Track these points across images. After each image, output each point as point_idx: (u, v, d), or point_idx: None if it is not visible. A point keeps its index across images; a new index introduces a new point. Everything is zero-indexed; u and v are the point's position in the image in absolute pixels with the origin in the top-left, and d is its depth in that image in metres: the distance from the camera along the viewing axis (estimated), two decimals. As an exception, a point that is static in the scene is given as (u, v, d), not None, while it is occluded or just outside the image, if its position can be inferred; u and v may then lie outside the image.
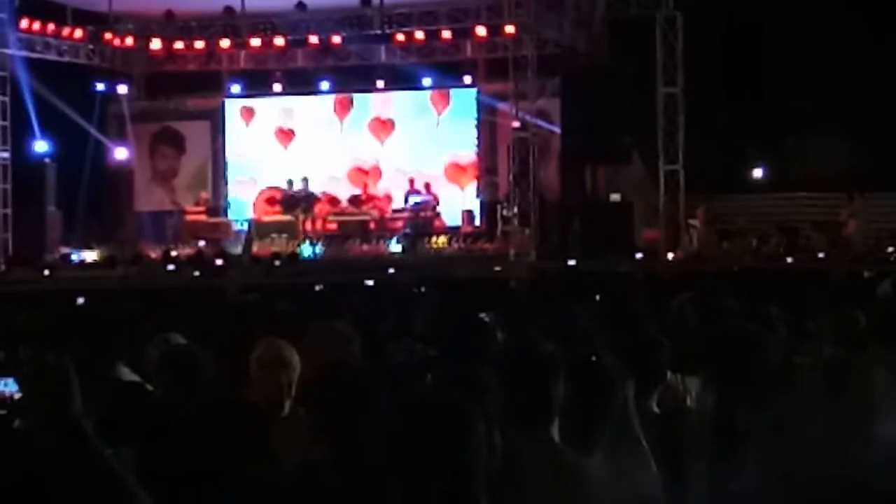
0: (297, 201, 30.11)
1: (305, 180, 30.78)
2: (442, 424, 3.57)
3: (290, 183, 30.85)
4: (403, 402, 3.97)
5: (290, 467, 4.65)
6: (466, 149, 32.16)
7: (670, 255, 25.37)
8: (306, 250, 28.63)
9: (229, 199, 33.09)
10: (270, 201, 30.58)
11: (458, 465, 3.50)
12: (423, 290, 12.99)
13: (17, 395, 5.26)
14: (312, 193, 30.50)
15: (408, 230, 29.34)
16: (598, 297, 12.60)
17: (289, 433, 5.39)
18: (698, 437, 5.38)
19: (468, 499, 3.51)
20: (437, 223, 30.18)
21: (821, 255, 24.69)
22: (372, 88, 32.40)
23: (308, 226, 29.93)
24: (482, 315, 8.20)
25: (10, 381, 5.30)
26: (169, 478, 4.35)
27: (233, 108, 33.63)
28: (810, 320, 8.49)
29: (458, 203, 31.55)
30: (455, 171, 32.04)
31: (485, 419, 3.68)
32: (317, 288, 18.67)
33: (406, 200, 30.00)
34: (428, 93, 32.28)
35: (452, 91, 32.33)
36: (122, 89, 33.03)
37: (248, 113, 33.47)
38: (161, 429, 4.59)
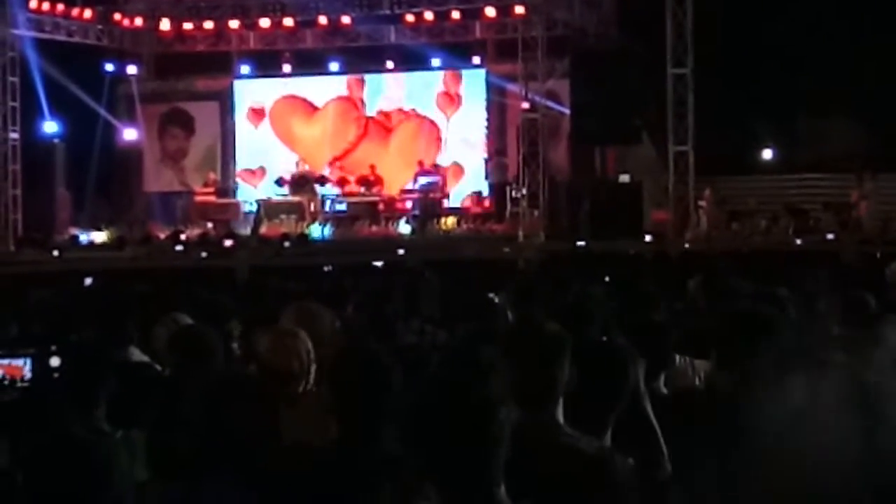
0: (306, 182, 30.08)
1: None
2: (466, 402, 3.58)
3: (298, 164, 30.84)
4: (428, 379, 3.98)
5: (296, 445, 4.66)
6: (476, 130, 32.17)
7: (686, 236, 25.32)
8: (315, 231, 28.61)
9: (238, 179, 33.12)
10: (280, 181, 30.51)
11: (481, 442, 3.51)
12: (426, 273, 12.98)
13: (30, 374, 5.29)
14: (322, 174, 30.48)
15: (416, 211, 29.32)
16: (607, 279, 12.59)
17: (299, 413, 5.39)
18: (707, 419, 5.37)
19: (488, 476, 3.52)
20: (445, 202, 30.14)
21: (830, 236, 24.63)
22: (381, 69, 32.37)
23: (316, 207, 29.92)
24: (492, 295, 8.20)
25: (27, 360, 5.33)
26: (179, 458, 4.36)
27: (241, 103, 33.64)
28: (820, 302, 8.47)
29: (467, 184, 31.55)
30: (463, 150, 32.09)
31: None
32: (325, 269, 18.69)
33: (415, 181, 29.96)
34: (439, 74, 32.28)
35: (463, 73, 32.29)
36: (132, 70, 33.05)
37: (257, 115, 33.50)
38: (171, 409, 4.59)
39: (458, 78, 32.41)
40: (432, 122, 32.35)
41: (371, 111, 32.84)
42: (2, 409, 5.05)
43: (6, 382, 5.24)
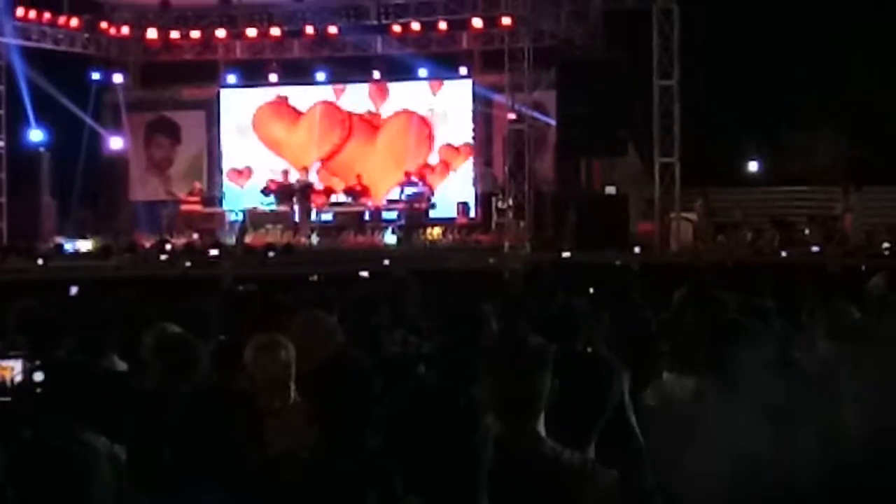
0: (291, 191, 30.07)
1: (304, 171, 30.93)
2: (451, 411, 3.58)
3: (286, 173, 30.82)
4: (413, 388, 3.97)
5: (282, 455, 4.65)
6: (462, 139, 32.21)
7: (672, 248, 25.34)
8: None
9: (224, 189, 33.09)
10: (265, 191, 30.50)
11: (465, 451, 3.50)
12: (408, 283, 12.98)
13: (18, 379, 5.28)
14: (308, 183, 30.46)
15: (402, 221, 29.33)
16: (592, 290, 12.57)
17: (284, 423, 5.39)
18: (693, 431, 5.36)
19: (471, 485, 3.51)
20: (430, 214, 30.14)
21: (815, 249, 24.68)
22: (368, 79, 32.40)
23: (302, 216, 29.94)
24: (477, 306, 8.18)
25: (16, 362, 5.32)
26: (161, 468, 4.34)
27: (227, 113, 33.64)
28: (805, 314, 8.47)
29: (454, 194, 31.55)
30: (449, 152, 32.07)
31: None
32: (311, 278, 18.65)
33: (401, 192, 29.96)
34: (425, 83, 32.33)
35: (447, 82, 32.31)
36: (118, 78, 33.05)
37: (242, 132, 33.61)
38: (154, 419, 4.58)
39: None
40: (422, 119, 32.35)
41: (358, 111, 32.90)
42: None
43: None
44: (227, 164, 33.40)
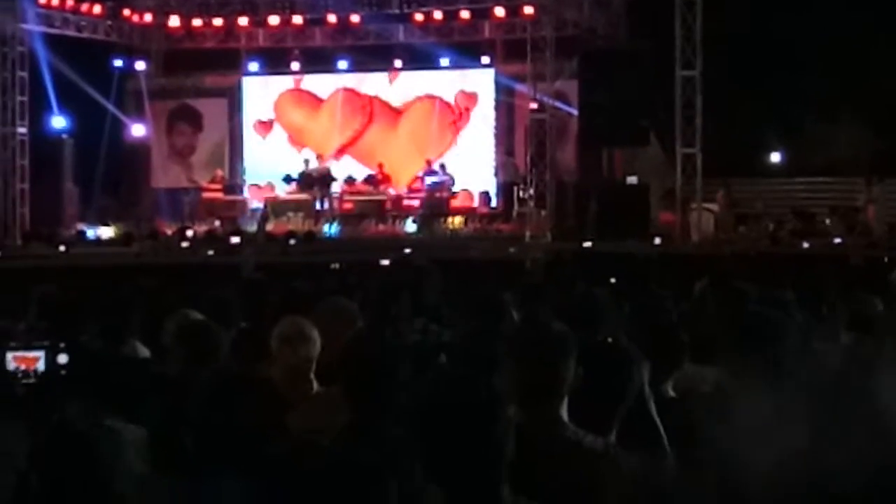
0: (313, 180, 30.10)
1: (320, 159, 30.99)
2: (474, 400, 3.58)
3: (307, 162, 30.83)
4: (436, 377, 3.98)
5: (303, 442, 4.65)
6: (485, 129, 32.20)
7: (694, 239, 25.29)
8: (331, 229, 28.68)
9: (245, 177, 33.11)
10: (288, 179, 30.52)
11: (487, 441, 3.51)
12: (429, 271, 12.99)
13: (43, 368, 5.31)
14: (329, 173, 30.48)
15: (424, 210, 29.34)
16: (613, 280, 12.57)
17: (305, 413, 5.39)
18: (713, 421, 5.35)
19: (493, 475, 3.52)
20: (453, 203, 30.11)
21: (838, 240, 24.60)
22: (389, 68, 32.38)
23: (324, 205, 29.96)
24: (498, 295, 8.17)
25: (41, 352, 5.35)
26: (183, 453, 4.36)
27: (249, 100, 33.65)
28: (827, 305, 8.45)
29: (475, 184, 31.55)
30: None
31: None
32: (332, 266, 18.68)
33: (423, 180, 29.95)
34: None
35: (471, 71, 32.28)
36: (140, 66, 33.08)
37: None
38: (176, 405, 4.59)
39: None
40: (448, 105, 32.32)
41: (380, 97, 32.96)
42: (19, 400, 5.08)
43: (20, 374, 5.26)
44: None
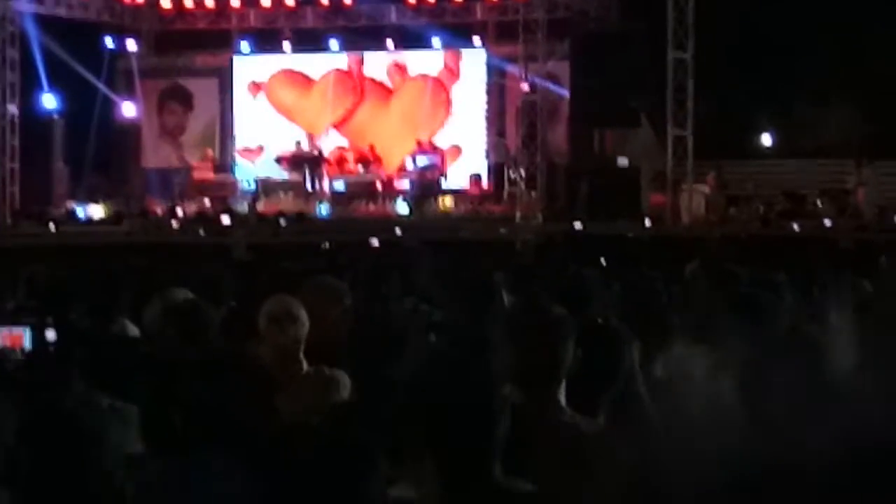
0: (304, 160, 30.09)
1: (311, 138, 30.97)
2: (468, 378, 3.59)
3: (298, 143, 30.80)
4: (430, 356, 3.98)
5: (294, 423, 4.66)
6: (475, 110, 32.14)
7: (684, 220, 25.31)
8: (323, 210, 28.66)
9: (236, 163, 33.08)
10: (279, 160, 30.50)
11: (481, 419, 3.52)
12: (419, 252, 13.01)
13: (30, 345, 5.31)
14: (320, 153, 30.46)
15: (414, 191, 29.33)
16: (603, 261, 12.59)
17: (295, 393, 5.39)
18: (702, 402, 5.36)
19: (487, 454, 3.53)
20: (443, 182, 30.08)
21: (828, 222, 24.63)
22: (381, 48, 32.32)
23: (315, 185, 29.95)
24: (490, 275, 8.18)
25: (26, 329, 5.36)
26: (174, 433, 4.36)
27: (240, 80, 33.58)
28: (817, 287, 8.47)
29: (466, 165, 31.54)
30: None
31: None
32: (323, 247, 18.69)
33: (414, 161, 29.94)
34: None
35: (462, 52, 32.24)
36: (132, 46, 32.99)
37: (256, 87, 33.45)
38: (166, 384, 4.59)
39: (458, 55, 32.31)
40: (441, 83, 32.28)
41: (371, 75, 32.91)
42: (6, 377, 5.08)
43: (7, 351, 5.27)
44: (239, 141, 33.29)
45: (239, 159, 33.17)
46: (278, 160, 30.27)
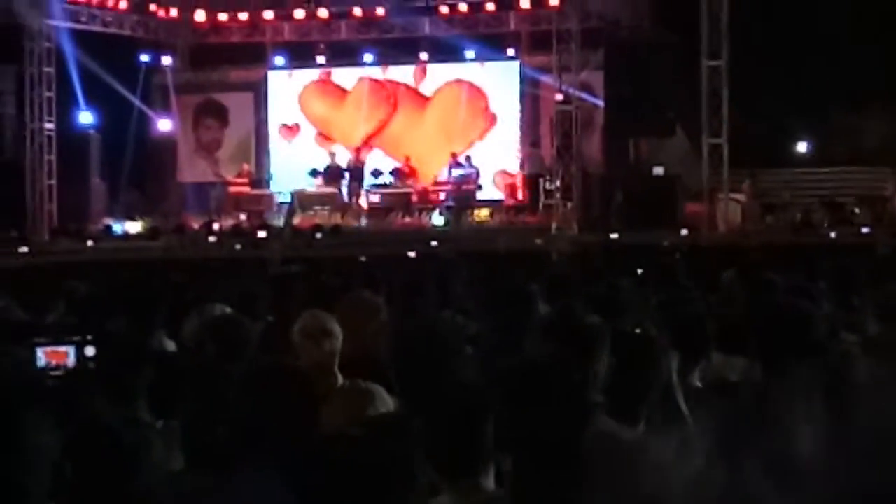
0: (340, 172, 30.15)
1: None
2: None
3: (333, 155, 30.85)
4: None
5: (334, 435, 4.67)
6: (510, 126, 32.14)
7: (720, 229, 25.22)
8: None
9: (272, 171, 33.16)
10: (314, 173, 30.49)
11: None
12: (455, 264, 13.01)
13: (73, 363, 5.35)
14: (357, 166, 30.51)
15: (450, 203, 29.35)
16: (640, 271, 12.55)
17: (332, 407, 5.40)
18: (741, 412, 5.34)
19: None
20: (478, 194, 30.07)
21: (865, 230, 24.51)
22: (415, 61, 32.37)
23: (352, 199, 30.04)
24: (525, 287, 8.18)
25: (70, 347, 5.39)
26: (215, 448, 4.37)
27: (274, 95, 33.71)
28: (855, 295, 8.42)
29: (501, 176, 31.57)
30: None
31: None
32: (359, 260, 18.70)
33: (449, 173, 29.96)
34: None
35: (496, 63, 32.23)
36: (167, 61, 33.13)
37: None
38: (207, 399, 4.61)
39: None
40: (479, 90, 32.29)
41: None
42: (49, 394, 5.12)
43: (50, 368, 5.32)
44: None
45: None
46: (314, 173, 30.28)
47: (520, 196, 31.02)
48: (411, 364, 5.05)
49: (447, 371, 4.94)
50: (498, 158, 31.73)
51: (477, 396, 4.05)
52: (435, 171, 31.12)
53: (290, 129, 33.42)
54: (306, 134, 33.22)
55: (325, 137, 32.91)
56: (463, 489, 3.90)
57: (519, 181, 31.38)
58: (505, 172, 31.79)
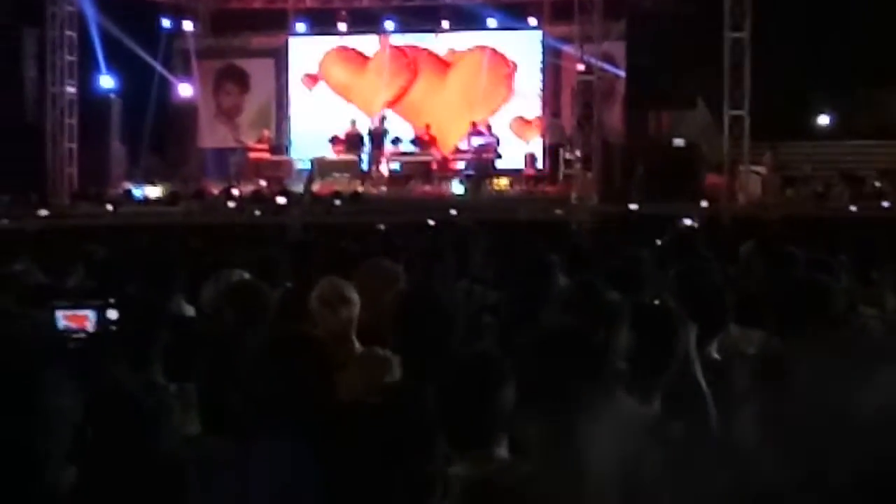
0: (361, 139, 30.13)
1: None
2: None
3: (354, 122, 30.82)
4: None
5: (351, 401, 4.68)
6: (531, 92, 32.09)
7: (740, 201, 25.15)
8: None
9: (292, 137, 33.19)
10: (334, 140, 30.48)
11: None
12: (474, 232, 12.99)
13: (94, 327, 5.37)
14: (377, 133, 30.47)
15: (470, 171, 29.33)
16: (659, 242, 12.54)
17: (348, 374, 5.42)
18: (756, 384, 5.34)
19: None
20: (498, 163, 30.05)
21: (886, 204, 24.43)
22: (437, 29, 32.31)
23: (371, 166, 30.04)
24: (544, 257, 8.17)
25: (91, 311, 5.41)
26: (232, 413, 4.39)
27: (295, 61, 33.71)
28: (874, 270, 8.41)
29: (521, 145, 31.51)
30: (520, 126, 31.96)
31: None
32: (378, 227, 18.70)
33: (469, 142, 29.92)
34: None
35: (518, 33, 32.18)
36: (188, 26, 33.13)
37: (311, 80, 33.56)
38: (224, 364, 4.62)
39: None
40: (503, 57, 32.25)
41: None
42: (70, 357, 5.14)
43: (71, 331, 5.33)
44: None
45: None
46: (333, 140, 30.26)
47: (539, 166, 30.97)
48: (412, 332, 5.05)
49: (448, 340, 4.94)
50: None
51: (486, 365, 4.05)
52: (455, 139, 31.08)
53: (312, 78, 33.40)
54: (325, 88, 33.22)
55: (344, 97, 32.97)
56: (476, 459, 3.90)
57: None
58: (522, 119, 31.83)
